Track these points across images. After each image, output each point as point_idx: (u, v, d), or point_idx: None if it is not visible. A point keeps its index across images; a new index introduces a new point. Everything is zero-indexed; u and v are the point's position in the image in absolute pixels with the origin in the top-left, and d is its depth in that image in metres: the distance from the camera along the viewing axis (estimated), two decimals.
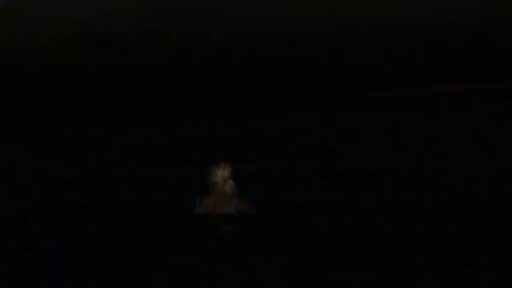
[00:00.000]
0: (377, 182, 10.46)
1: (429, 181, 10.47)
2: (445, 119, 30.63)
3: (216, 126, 26.69)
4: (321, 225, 7.79)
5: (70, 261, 6.71)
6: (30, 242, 7.52)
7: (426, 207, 8.54)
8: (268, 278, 5.95)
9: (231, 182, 8.69)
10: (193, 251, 6.92)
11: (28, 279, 6.19)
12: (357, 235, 7.28)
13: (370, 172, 11.67)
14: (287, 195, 9.50)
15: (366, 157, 14.10)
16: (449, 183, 10.25)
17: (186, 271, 6.24)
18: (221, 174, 8.65)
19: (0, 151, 18.92)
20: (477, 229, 7.38)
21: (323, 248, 6.81)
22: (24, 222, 8.63)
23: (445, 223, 7.71)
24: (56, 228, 8.17)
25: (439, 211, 8.33)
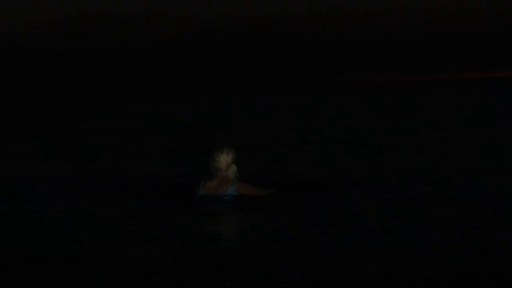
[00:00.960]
0: (377, 182, 10.47)
1: (429, 181, 10.49)
2: (442, 108, 30.62)
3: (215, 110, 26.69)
4: (322, 225, 7.79)
5: (70, 261, 6.71)
6: (30, 241, 7.52)
7: (426, 207, 8.55)
8: (268, 279, 5.96)
9: (234, 166, 8.75)
10: (193, 251, 6.92)
11: (28, 279, 6.19)
12: (357, 235, 7.29)
13: (370, 172, 11.70)
14: (287, 195, 9.50)
15: (366, 157, 14.13)
16: (448, 183, 10.27)
17: (186, 271, 6.24)
18: (224, 159, 8.70)
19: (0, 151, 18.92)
20: (477, 229, 7.39)
21: (323, 248, 6.82)
22: (24, 220, 8.62)
23: (445, 223, 7.71)
24: (56, 226, 8.16)
25: (439, 210, 8.34)
